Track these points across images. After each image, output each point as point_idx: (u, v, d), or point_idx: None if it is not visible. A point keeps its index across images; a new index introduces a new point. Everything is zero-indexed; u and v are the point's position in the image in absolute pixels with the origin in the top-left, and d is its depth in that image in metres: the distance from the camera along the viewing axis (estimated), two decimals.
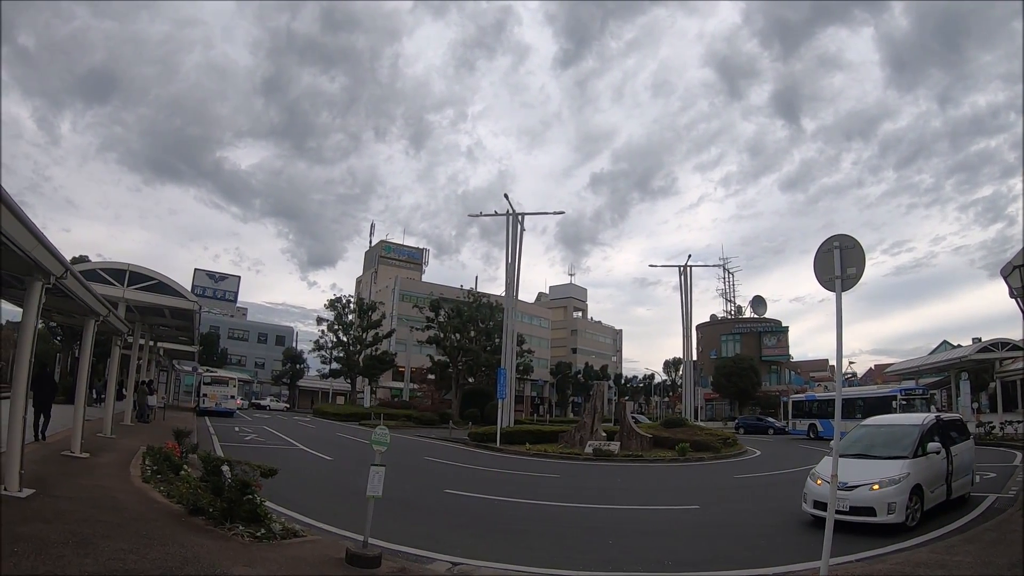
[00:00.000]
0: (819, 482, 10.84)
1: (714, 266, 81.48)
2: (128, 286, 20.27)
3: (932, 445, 11.39)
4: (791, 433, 45.01)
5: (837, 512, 10.13)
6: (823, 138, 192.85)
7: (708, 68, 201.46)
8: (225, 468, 9.09)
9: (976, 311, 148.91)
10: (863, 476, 10.55)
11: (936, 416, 13.06)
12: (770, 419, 54.86)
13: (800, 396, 49.81)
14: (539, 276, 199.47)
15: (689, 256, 48.50)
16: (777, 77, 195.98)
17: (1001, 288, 10.38)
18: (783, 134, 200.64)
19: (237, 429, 30.70)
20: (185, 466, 12.05)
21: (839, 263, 7.18)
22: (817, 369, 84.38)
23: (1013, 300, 8.58)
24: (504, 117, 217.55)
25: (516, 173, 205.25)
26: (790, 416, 47.04)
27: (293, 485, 12.94)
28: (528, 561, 8.05)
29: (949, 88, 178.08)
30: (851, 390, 45.59)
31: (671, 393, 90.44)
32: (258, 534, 7.59)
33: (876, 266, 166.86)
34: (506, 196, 37.54)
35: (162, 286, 21.54)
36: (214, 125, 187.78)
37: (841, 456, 11.76)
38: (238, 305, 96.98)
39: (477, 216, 41.93)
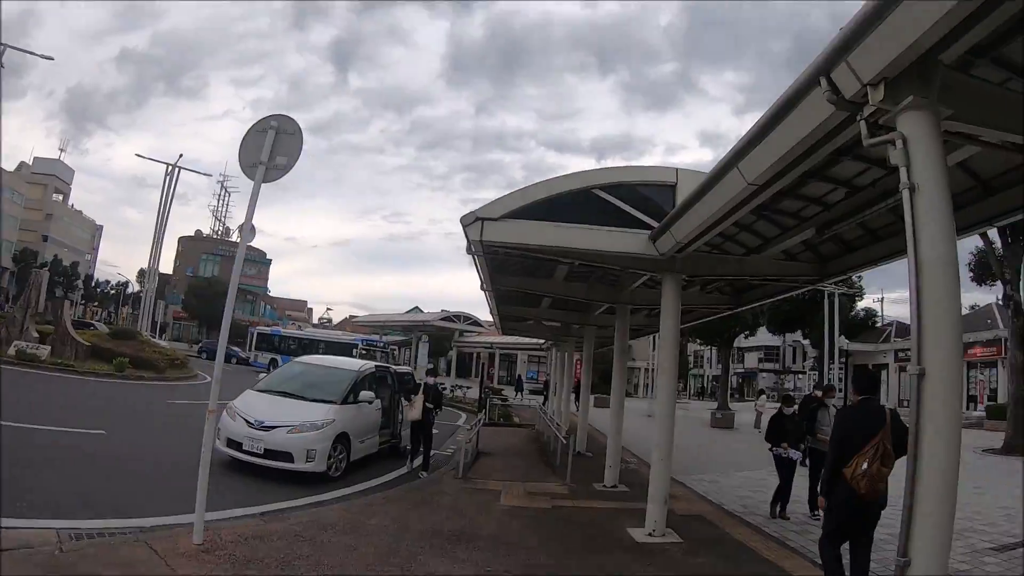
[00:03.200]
0: (235, 417, 10.36)
1: (206, 175, 77.33)
2: None
3: (365, 393, 11.74)
4: (254, 365, 45.25)
5: (252, 455, 9.81)
6: (363, 98, 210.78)
7: None
8: None
9: (452, 289, 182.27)
10: (284, 417, 10.30)
11: (376, 365, 13.78)
12: (236, 348, 54.53)
13: (266, 329, 51.06)
14: (28, 143, 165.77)
15: (181, 155, 44.12)
16: (346, 27, 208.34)
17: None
18: (328, 80, 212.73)
19: None
20: None
21: (269, 147, 6.37)
22: (295, 309, 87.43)
23: (471, 256, 9.06)
24: None
25: (43, 14, 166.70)
26: (254, 348, 47.64)
27: None
28: None
29: (490, 101, 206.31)
30: (317, 332, 48.60)
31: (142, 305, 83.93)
32: None
33: (373, 228, 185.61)
34: None
35: None
36: None
37: (265, 391, 11.49)
38: None
39: None
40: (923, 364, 3.53)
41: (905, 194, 3.74)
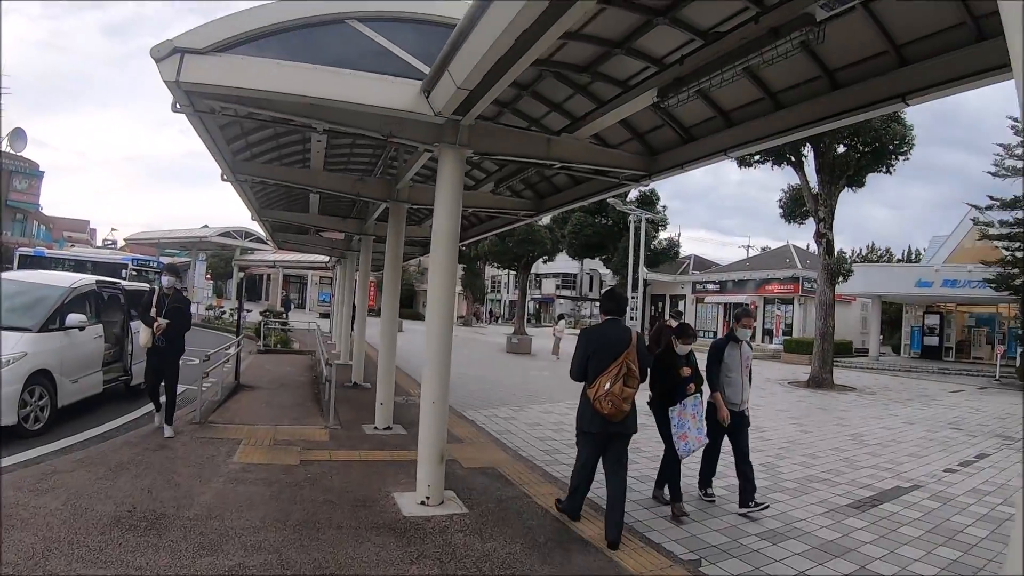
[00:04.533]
0: None
1: None
2: None
3: (74, 317, 8.98)
4: None
5: None
6: None
7: None
8: None
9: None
10: None
11: (97, 280, 10.66)
12: None
13: (29, 251, 44.62)
14: None
15: None
16: None
17: None
18: None
19: None
20: None
21: None
22: (76, 229, 79.19)
23: (178, 113, 6.24)
24: None
25: None
26: (16, 270, 41.15)
27: None
28: None
29: None
30: (86, 251, 42.80)
31: None
32: None
33: (171, 142, 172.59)
34: None
35: None
36: None
37: None
38: None
39: None
40: None
41: None
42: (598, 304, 7.52)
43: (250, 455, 7.61)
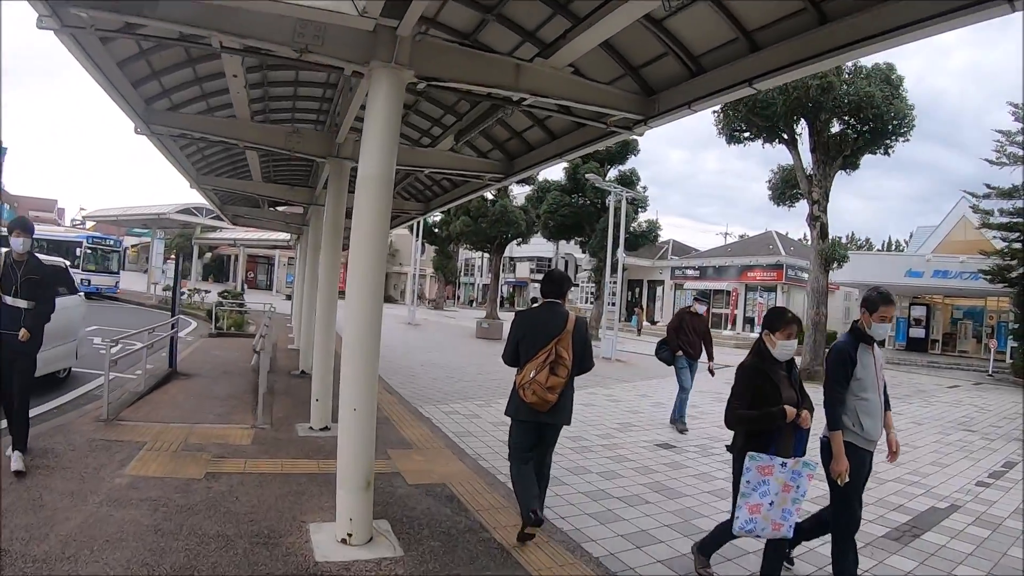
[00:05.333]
0: None
1: None
2: None
3: None
4: None
5: None
6: None
7: None
8: None
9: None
10: None
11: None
12: None
13: None
14: None
15: None
16: None
17: None
18: None
19: None
20: None
21: None
22: (43, 208, 79.20)
23: (44, 29, 4.66)
24: None
25: None
26: None
27: None
28: None
29: None
30: (51, 231, 40.77)
31: None
32: None
33: None
34: None
35: None
36: None
37: None
38: None
39: None
40: None
41: None
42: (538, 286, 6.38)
43: (147, 465, 6.08)
